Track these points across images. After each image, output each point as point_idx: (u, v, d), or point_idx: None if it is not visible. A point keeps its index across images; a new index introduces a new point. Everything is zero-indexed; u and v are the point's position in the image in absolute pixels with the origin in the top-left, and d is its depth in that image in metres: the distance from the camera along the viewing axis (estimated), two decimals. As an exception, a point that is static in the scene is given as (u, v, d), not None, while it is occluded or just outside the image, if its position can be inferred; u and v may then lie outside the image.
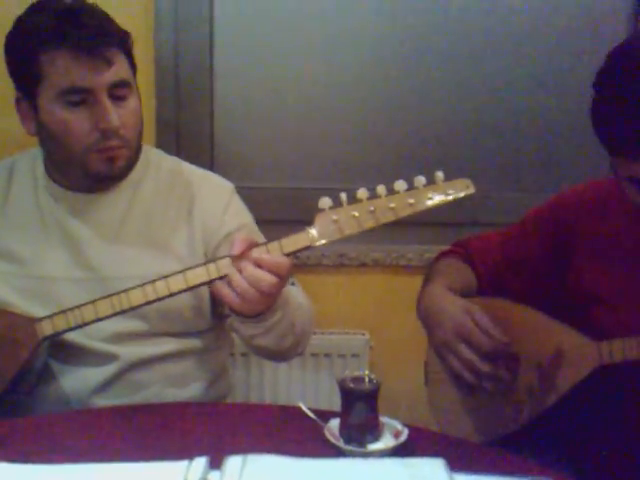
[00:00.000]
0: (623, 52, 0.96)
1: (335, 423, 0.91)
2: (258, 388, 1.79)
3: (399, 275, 1.79)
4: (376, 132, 1.81)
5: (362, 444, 0.87)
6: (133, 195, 1.19)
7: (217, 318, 1.24)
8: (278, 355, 1.16)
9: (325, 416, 0.94)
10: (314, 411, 0.96)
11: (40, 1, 1.12)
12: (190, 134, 1.77)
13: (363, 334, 1.79)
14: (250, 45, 1.76)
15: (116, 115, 1.08)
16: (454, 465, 0.82)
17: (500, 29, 1.77)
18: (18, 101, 1.14)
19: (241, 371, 1.77)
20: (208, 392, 1.23)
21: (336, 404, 0.95)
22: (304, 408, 0.95)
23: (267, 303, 0.99)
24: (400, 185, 0.93)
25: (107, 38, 1.07)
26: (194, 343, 1.21)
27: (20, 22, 1.11)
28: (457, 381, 1.11)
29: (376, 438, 0.88)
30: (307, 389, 1.78)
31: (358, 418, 0.88)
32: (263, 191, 1.79)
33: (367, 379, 0.89)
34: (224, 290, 0.96)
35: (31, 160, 1.20)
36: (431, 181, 0.93)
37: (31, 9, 1.11)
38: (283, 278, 0.97)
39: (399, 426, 0.91)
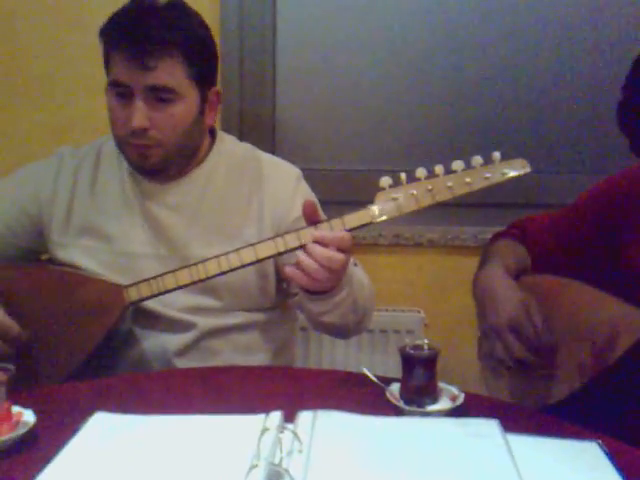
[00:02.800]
0: None
1: (396, 387, 0.98)
2: (316, 362, 1.87)
3: (453, 255, 1.84)
4: (434, 115, 1.86)
5: (421, 406, 0.94)
6: (207, 182, 1.26)
7: (281, 296, 1.33)
8: (342, 332, 1.23)
9: (386, 381, 1.01)
10: (376, 377, 1.03)
11: None
12: (253, 117, 1.85)
13: (418, 312, 1.85)
14: (312, 31, 1.83)
15: (143, 117, 1.14)
16: (507, 427, 0.87)
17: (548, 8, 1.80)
18: None
19: (300, 346, 1.84)
20: (274, 361, 1.32)
21: (391, 376, 1.02)
22: (367, 373, 1.02)
23: (336, 280, 1.05)
24: (458, 165, 0.98)
25: (153, 46, 1.11)
26: (261, 317, 1.29)
27: (110, 15, 1.19)
28: (497, 362, 1.16)
29: (434, 401, 0.95)
30: (363, 363, 1.82)
31: (417, 382, 0.95)
32: (322, 173, 1.85)
33: (426, 347, 0.96)
34: (295, 273, 1.02)
35: None
36: (488, 161, 0.98)
37: (125, 4, 1.18)
38: (347, 253, 1.02)
39: (456, 391, 0.97)
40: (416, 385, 0.95)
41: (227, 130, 1.58)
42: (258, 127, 1.86)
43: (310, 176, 1.38)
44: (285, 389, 1.04)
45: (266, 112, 1.87)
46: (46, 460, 0.80)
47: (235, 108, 1.84)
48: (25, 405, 0.90)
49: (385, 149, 1.88)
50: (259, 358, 1.29)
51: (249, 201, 1.26)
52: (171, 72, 1.14)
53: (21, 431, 0.85)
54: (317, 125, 1.89)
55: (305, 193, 1.31)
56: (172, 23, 1.15)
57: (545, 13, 1.80)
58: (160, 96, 1.15)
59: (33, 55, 1.77)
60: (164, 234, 1.24)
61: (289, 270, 1.03)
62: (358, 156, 1.89)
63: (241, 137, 1.40)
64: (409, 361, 0.95)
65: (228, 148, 1.31)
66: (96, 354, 1.18)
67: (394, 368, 1.83)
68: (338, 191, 1.84)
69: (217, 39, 1.74)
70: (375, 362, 1.86)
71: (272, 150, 1.84)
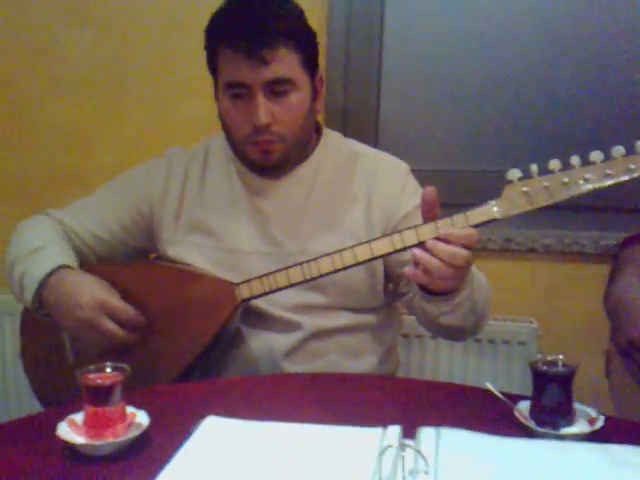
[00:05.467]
0: None
1: (524, 405, 0.90)
2: (418, 370, 1.80)
3: (570, 262, 1.71)
4: (537, 116, 1.75)
5: (555, 428, 0.85)
6: (314, 177, 1.23)
7: (389, 296, 1.28)
8: (458, 334, 1.16)
9: (512, 398, 0.93)
10: (501, 392, 0.95)
11: None
12: (356, 117, 1.81)
13: (530, 322, 1.73)
14: (417, 32, 1.78)
15: (267, 112, 1.11)
16: (658, 457, 0.78)
17: None
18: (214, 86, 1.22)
19: (403, 353, 1.77)
20: (380, 366, 1.27)
21: (505, 390, 0.95)
22: (492, 388, 0.94)
23: (460, 277, 0.99)
24: (596, 156, 0.89)
25: (267, 38, 1.09)
26: (368, 318, 1.25)
27: (211, 17, 1.17)
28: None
29: (569, 423, 0.86)
30: (468, 374, 1.76)
31: (551, 401, 0.86)
32: (424, 174, 1.79)
33: (561, 363, 0.87)
34: (416, 273, 0.96)
35: (224, 141, 1.26)
36: (632, 151, 0.88)
37: (222, 4, 1.16)
38: (472, 249, 0.95)
39: (594, 413, 0.87)
40: (550, 405, 0.86)
41: (331, 127, 1.55)
42: (361, 126, 1.82)
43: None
44: (399, 400, 0.98)
45: (370, 112, 1.82)
46: (159, 464, 0.78)
47: (339, 107, 1.81)
48: (138, 406, 0.88)
49: (491, 149, 1.79)
50: (365, 362, 1.25)
51: (356, 196, 1.23)
52: (286, 62, 1.12)
53: (135, 433, 0.83)
54: (420, 126, 1.82)
55: (414, 188, 1.26)
56: (278, 12, 1.12)
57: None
58: (278, 89, 1.12)
59: (140, 59, 1.82)
60: (270, 231, 1.22)
61: (408, 270, 0.97)
62: (460, 157, 1.81)
63: (344, 135, 1.37)
64: (542, 378, 0.86)
65: (334, 143, 1.28)
66: (207, 353, 1.16)
67: (503, 380, 1.73)
68: (442, 193, 1.77)
69: (323, 37, 1.74)
70: (481, 373, 1.76)
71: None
